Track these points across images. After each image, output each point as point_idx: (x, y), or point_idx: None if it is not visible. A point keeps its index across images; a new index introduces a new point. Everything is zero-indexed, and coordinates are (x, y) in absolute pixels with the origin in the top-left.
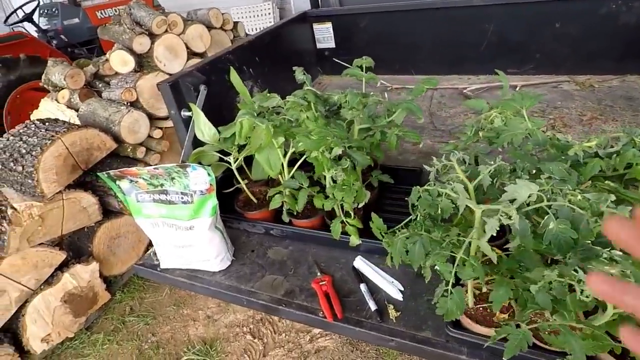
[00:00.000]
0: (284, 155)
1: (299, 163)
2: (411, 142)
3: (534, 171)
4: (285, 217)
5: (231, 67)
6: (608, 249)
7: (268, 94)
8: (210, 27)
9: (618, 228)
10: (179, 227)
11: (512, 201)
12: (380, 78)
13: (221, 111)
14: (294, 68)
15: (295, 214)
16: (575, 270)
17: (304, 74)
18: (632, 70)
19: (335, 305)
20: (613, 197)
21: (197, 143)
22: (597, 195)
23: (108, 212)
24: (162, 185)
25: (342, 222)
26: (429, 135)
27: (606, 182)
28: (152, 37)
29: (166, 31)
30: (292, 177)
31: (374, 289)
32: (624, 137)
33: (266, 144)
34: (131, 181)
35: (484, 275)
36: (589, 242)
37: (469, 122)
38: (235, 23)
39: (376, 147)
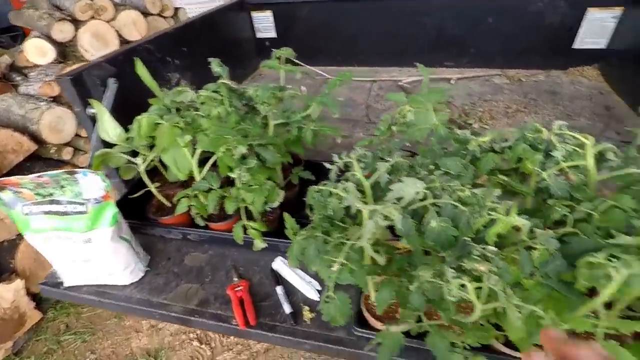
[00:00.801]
0: (192, 155)
1: (209, 163)
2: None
3: (432, 167)
4: (200, 221)
5: (137, 59)
6: (482, 245)
7: (181, 88)
8: (146, 14)
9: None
10: (75, 240)
11: (399, 199)
12: (321, 69)
13: (140, 107)
14: (210, 60)
15: (208, 217)
16: (454, 269)
17: (221, 65)
18: (556, 66)
19: (249, 312)
20: (499, 192)
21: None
22: (485, 190)
23: None
24: (51, 194)
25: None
26: (363, 128)
27: (500, 176)
28: (77, 23)
29: (93, 17)
30: (203, 179)
31: (291, 291)
32: (516, 133)
33: (169, 143)
34: (14, 192)
35: (376, 274)
36: (469, 238)
37: (384, 117)
38: (177, 9)
39: (294, 143)
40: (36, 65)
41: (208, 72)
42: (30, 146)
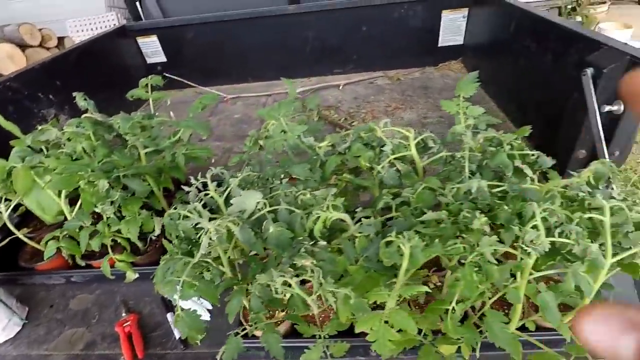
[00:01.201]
0: (59, 195)
1: (80, 201)
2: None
3: (282, 175)
4: (80, 262)
5: None
6: (312, 242)
7: (44, 127)
8: (24, 46)
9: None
10: None
11: (243, 212)
12: (217, 89)
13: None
14: (74, 94)
15: (91, 253)
16: (292, 266)
17: (85, 99)
18: (428, 63)
19: (137, 345)
20: (334, 190)
21: None
22: (324, 190)
23: None
24: None
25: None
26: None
27: (345, 175)
28: None
29: None
30: (75, 217)
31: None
32: (352, 134)
33: (27, 187)
34: None
35: (233, 284)
36: (305, 235)
37: (251, 132)
38: (61, 39)
39: (175, 169)
40: None
41: (95, 102)
42: None
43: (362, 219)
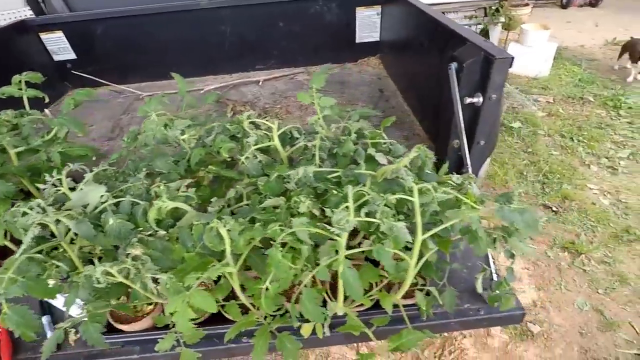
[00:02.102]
0: None
1: None
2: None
3: (144, 169)
4: None
5: None
6: (150, 233)
7: None
8: None
9: None
10: None
11: (86, 206)
12: (135, 87)
13: None
14: None
15: None
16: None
17: None
18: (348, 59)
19: (4, 354)
20: (188, 182)
21: None
22: (179, 182)
23: None
24: None
25: None
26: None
27: (210, 167)
28: None
29: None
30: None
31: (59, 317)
32: (217, 127)
33: None
34: None
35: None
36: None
37: (131, 129)
38: None
39: (51, 169)
40: None
41: None
42: None
43: (208, 208)
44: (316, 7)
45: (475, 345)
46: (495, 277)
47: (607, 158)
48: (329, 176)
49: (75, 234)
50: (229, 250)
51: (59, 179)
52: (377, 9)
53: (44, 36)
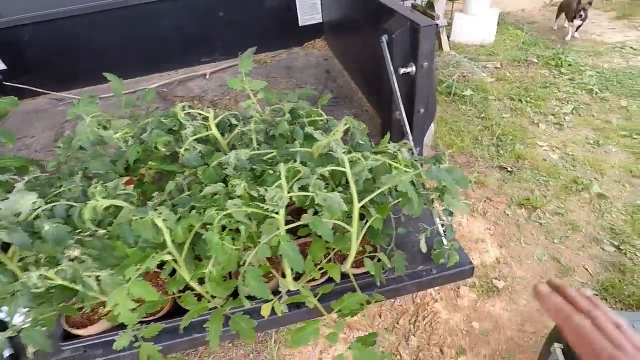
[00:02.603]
0: None
1: None
2: None
3: (80, 172)
4: None
5: None
6: (88, 233)
7: None
8: None
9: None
10: None
11: (18, 214)
12: (76, 92)
13: None
14: None
15: None
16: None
17: None
18: (294, 44)
19: None
20: (125, 179)
21: None
22: (116, 181)
23: None
24: None
25: None
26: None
27: (150, 162)
28: None
29: None
30: None
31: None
32: (151, 123)
33: None
34: None
35: None
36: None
37: (66, 134)
38: None
39: None
40: None
41: None
42: None
43: (148, 202)
44: None
45: (447, 307)
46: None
47: (553, 115)
48: (266, 157)
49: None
50: (169, 239)
51: None
52: None
53: None
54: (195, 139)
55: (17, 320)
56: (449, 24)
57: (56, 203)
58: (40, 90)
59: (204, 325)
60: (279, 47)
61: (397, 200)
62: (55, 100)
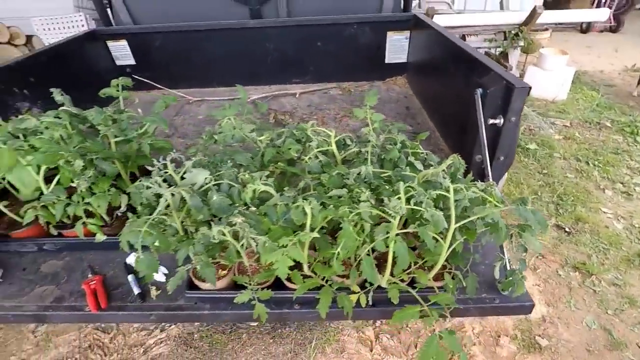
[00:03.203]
0: (38, 172)
1: (57, 178)
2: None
3: (229, 161)
4: (52, 231)
5: None
6: (245, 207)
7: (24, 116)
8: None
9: None
10: None
11: (194, 185)
12: (185, 92)
13: None
14: (51, 90)
15: (62, 224)
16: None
17: (62, 94)
18: (377, 77)
19: (101, 298)
20: (267, 173)
21: None
22: (260, 172)
23: None
24: None
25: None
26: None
27: (279, 163)
28: None
29: None
30: (51, 192)
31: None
32: (286, 132)
33: (11, 164)
34: None
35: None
36: (240, 204)
37: (207, 129)
38: (30, 37)
39: (140, 157)
40: None
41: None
42: None
43: (285, 194)
44: (351, 30)
45: (484, 353)
46: (508, 268)
47: (622, 183)
48: (381, 175)
49: (180, 207)
50: (309, 223)
51: (165, 164)
52: (406, 33)
53: (110, 44)
54: (318, 151)
55: (159, 278)
56: (521, 76)
57: (221, 181)
58: (157, 85)
59: (300, 307)
60: (363, 79)
61: (482, 230)
62: (166, 95)
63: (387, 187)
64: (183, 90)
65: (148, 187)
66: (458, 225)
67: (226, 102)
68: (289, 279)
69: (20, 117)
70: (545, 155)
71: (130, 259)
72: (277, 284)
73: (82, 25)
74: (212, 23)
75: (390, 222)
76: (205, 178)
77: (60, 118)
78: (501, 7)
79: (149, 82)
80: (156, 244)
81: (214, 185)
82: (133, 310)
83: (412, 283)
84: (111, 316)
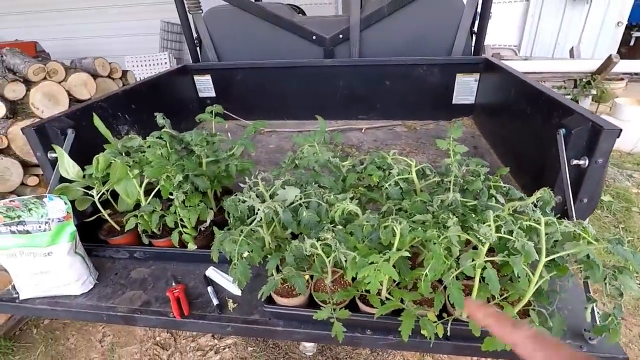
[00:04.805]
0: (140, 185)
1: (154, 192)
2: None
3: (314, 183)
4: (144, 239)
5: (94, 113)
6: (333, 225)
7: (130, 136)
8: (96, 76)
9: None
10: (37, 254)
11: (284, 201)
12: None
13: (93, 153)
14: (155, 114)
15: (154, 234)
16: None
17: (164, 118)
18: (442, 117)
19: (184, 306)
20: (350, 195)
21: (64, 182)
22: (343, 195)
23: None
24: (19, 216)
25: (180, 232)
26: (290, 170)
27: (360, 188)
28: (28, 83)
29: (45, 78)
30: (148, 204)
31: (219, 290)
32: (368, 159)
33: (122, 176)
34: None
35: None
36: (326, 221)
37: (289, 154)
38: (125, 72)
39: (226, 177)
40: None
41: (153, 124)
42: None
43: (369, 215)
44: (420, 71)
45: None
46: (597, 315)
47: None
48: (467, 204)
49: (270, 221)
50: (397, 243)
51: (256, 182)
52: (476, 76)
53: (196, 78)
54: (399, 178)
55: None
56: None
57: (310, 199)
58: (233, 115)
59: (372, 332)
60: (428, 117)
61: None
62: (241, 126)
63: (473, 215)
64: (255, 121)
65: (244, 201)
66: (548, 259)
67: (294, 133)
68: (364, 302)
69: (127, 136)
70: (621, 209)
71: (209, 272)
72: (349, 308)
73: (165, 63)
74: (288, 61)
75: (478, 248)
76: (296, 195)
77: (161, 138)
78: (571, 55)
79: (227, 113)
80: (245, 254)
81: (303, 202)
82: (212, 320)
83: None
84: (192, 324)
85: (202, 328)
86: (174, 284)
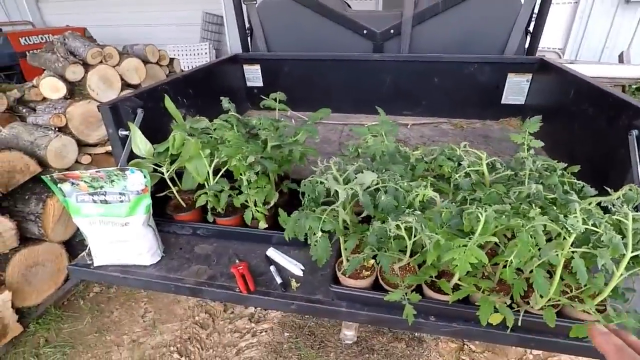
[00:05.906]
0: (209, 165)
1: (222, 171)
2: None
3: (384, 170)
4: (210, 217)
5: (165, 95)
6: (412, 210)
7: (198, 118)
8: (146, 62)
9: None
10: (115, 223)
11: (362, 185)
12: (301, 114)
13: (155, 133)
14: (222, 98)
15: (218, 213)
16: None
17: (229, 102)
18: (490, 116)
19: (249, 282)
20: (424, 183)
21: (131, 158)
22: (417, 183)
23: (26, 239)
24: (102, 187)
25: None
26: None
27: (429, 178)
28: (86, 66)
29: (101, 62)
30: (217, 183)
31: (281, 270)
32: (438, 150)
33: (195, 155)
34: (72, 184)
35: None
36: (404, 207)
37: (351, 143)
38: (172, 59)
39: (286, 161)
40: (44, 100)
41: (207, 109)
42: (35, 168)
43: (444, 202)
44: (470, 69)
45: None
46: None
47: None
48: (547, 197)
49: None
50: (480, 229)
51: (328, 166)
52: (528, 76)
53: (246, 67)
54: (470, 170)
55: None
56: None
57: (388, 184)
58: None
59: (435, 319)
60: (475, 116)
61: None
62: (286, 116)
63: (554, 207)
64: (301, 112)
65: (321, 183)
66: (634, 254)
67: (339, 125)
68: (432, 288)
69: (195, 118)
70: None
71: (270, 252)
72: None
73: (206, 53)
74: (336, 54)
75: (563, 239)
76: (373, 180)
77: (227, 121)
78: (620, 60)
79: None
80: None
81: (381, 186)
82: (277, 297)
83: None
84: (257, 300)
85: (267, 304)
86: (237, 261)
